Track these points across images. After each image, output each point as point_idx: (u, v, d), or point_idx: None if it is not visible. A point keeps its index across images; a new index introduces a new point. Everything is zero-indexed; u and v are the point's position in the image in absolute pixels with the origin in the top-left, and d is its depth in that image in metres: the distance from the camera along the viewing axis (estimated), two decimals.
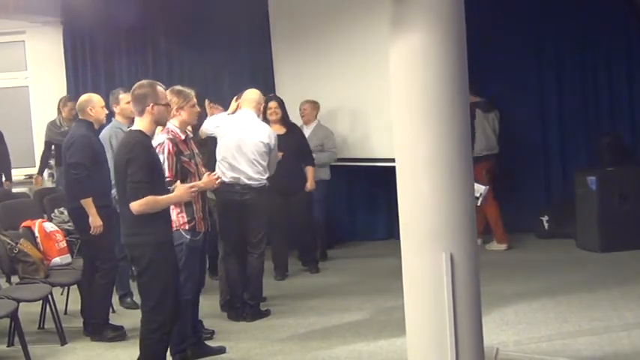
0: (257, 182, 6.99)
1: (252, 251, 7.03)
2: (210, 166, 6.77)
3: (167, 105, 5.17)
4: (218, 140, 7.05)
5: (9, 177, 10.19)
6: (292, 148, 8.48)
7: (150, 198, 4.81)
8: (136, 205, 4.80)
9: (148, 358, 4.99)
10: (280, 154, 7.44)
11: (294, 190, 8.59)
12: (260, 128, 7.14)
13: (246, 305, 7.01)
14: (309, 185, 8.83)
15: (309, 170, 8.83)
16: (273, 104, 8.62)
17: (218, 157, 6.97)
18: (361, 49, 9.03)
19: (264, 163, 7.04)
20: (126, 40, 11.04)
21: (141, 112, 5.03)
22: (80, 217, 6.54)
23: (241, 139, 6.96)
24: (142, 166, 4.82)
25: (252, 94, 7.21)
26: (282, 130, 8.45)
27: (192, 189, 5.20)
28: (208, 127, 7.16)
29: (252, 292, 7.05)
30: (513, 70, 10.19)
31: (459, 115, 4.60)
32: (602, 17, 10.05)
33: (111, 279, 6.70)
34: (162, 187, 5.06)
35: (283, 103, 8.73)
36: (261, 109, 7.38)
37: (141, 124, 5.05)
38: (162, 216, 4.99)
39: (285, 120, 8.73)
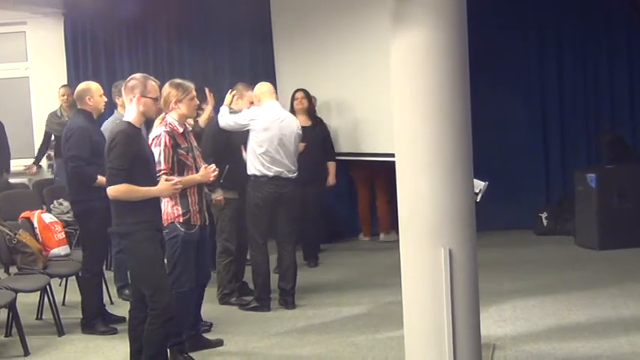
0: (294, 174, 7.11)
1: (286, 243, 7.17)
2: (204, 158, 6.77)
3: (155, 99, 5.21)
4: (255, 133, 7.01)
5: (7, 168, 10.18)
6: (317, 141, 8.57)
7: (125, 185, 4.94)
8: (111, 191, 4.98)
9: (150, 344, 5.03)
10: (302, 145, 7.46)
11: (313, 182, 8.60)
12: (293, 119, 7.33)
13: (289, 294, 7.14)
14: (331, 180, 8.90)
15: (331, 165, 8.91)
16: (299, 94, 8.80)
17: (258, 149, 6.97)
18: (362, 44, 9.02)
19: (297, 154, 7.23)
20: (127, 32, 11.04)
21: (129, 102, 5.14)
22: (81, 210, 6.53)
23: (282, 132, 7.03)
24: (120, 155, 4.94)
25: (267, 86, 7.28)
26: (307, 122, 8.64)
27: (176, 185, 5.23)
28: (238, 120, 7.07)
29: (294, 281, 7.20)
30: (514, 67, 10.19)
31: (459, 111, 4.59)
32: (603, 14, 10.06)
33: (94, 272, 6.65)
34: (148, 179, 5.10)
35: (309, 94, 8.78)
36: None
37: (129, 115, 5.14)
38: (148, 205, 5.05)
39: (311, 112, 8.80)
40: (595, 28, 10.16)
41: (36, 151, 10.93)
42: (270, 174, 6.97)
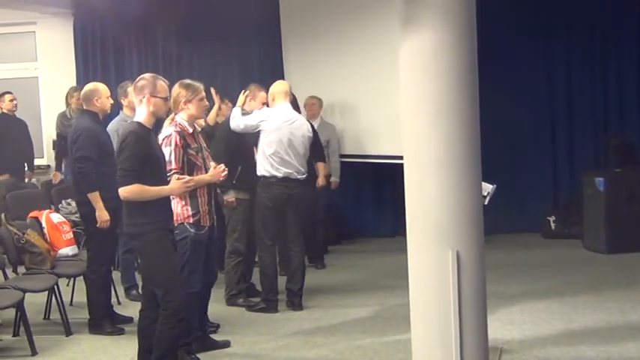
0: (303, 176, 7.11)
1: (294, 244, 7.19)
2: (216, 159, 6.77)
3: (165, 99, 5.21)
4: (265, 134, 7.00)
5: (31, 167, 10.24)
6: None
7: (137, 186, 4.94)
8: (122, 192, 4.99)
9: (161, 344, 5.03)
10: None
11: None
12: (304, 122, 7.30)
13: (296, 296, 7.15)
14: (321, 181, 8.87)
15: (321, 166, 8.87)
16: None
17: (267, 150, 6.97)
18: (371, 46, 9.03)
19: (307, 156, 7.22)
20: (136, 33, 11.07)
21: (139, 103, 5.14)
22: (88, 211, 6.54)
23: (292, 134, 7.03)
24: (131, 155, 4.95)
25: (283, 86, 7.28)
26: None
27: (188, 183, 5.24)
28: (248, 122, 7.07)
29: (302, 282, 7.20)
30: (522, 71, 10.18)
31: (467, 113, 4.59)
32: (611, 16, 10.04)
33: (101, 273, 6.64)
34: (159, 179, 5.11)
35: (293, 97, 8.75)
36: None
37: (140, 115, 5.15)
38: (158, 206, 5.06)
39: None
40: (603, 30, 10.14)
41: (44, 150, 10.97)
42: (280, 175, 6.98)
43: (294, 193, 7.06)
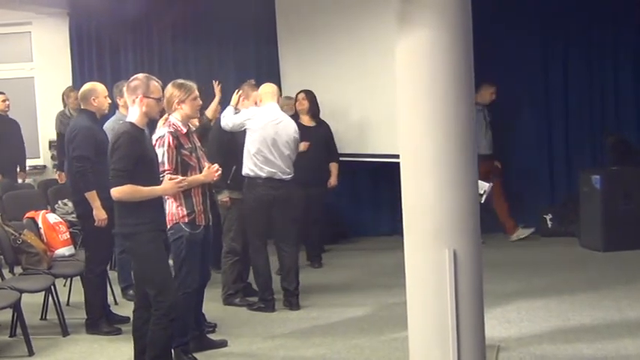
0: (289, 176, 7.07)
1: (285, 244, 7.16)
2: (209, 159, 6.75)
3: (158, 99, 5.21)
4: (250, 133, 7.00)
5: (23, 168, 10.22)
6: (320, 141, 8.55)
7: (129, 186, 4.95)
8: (115, 192, 4.99)
9: (154, 345, 5.03)
10: (306, 144, 7.44)
11: (316, 183, 8.60)
12: (291, 122, 7.28)
13: (292, 295, 7.13)
14: (333, 181, 8.90)
15: (334, 166, 8.91)
16: (300, 95, 8.87)
17: (251, 149, 6.97)
18: (367, 45, 9.03)
19: (294, 157, 7.17)
20: (132, 32, 11.05)
21: (132, 103, 5.15)
22: (84, 211, 6.53)
23: (277, 133, 7.01)
24: (124, 156, 4.95)
25: (270, 88, 7.27)
26: (311, 123, 8.72)
27: (180, 183, 5.24)
28: (235, 120, 7.07)
29: (297, 282, 7.18)
30: (519, 69, 10.17)
31: (464, 112, 4.59)
32: (609, 14, 10.04)
33: (97, 273, 6.63)
34: (152, 179, 5.11)
35: (313, 95, 8.78)
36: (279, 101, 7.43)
37: (132, 116, 5.15)
38: (150, 206, 5.06)
39: (314, 112, 8.81)
40: (601, 30, 10.14)
41: (41, 151, 10.94)
42: (263, 174, 6.94)
43: (279, 193, 7.01)
